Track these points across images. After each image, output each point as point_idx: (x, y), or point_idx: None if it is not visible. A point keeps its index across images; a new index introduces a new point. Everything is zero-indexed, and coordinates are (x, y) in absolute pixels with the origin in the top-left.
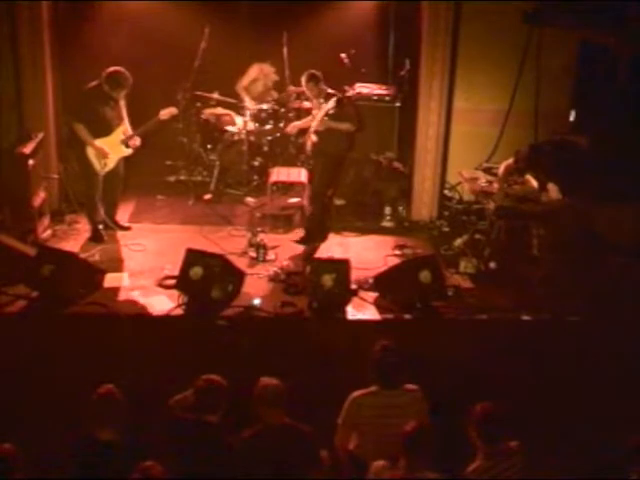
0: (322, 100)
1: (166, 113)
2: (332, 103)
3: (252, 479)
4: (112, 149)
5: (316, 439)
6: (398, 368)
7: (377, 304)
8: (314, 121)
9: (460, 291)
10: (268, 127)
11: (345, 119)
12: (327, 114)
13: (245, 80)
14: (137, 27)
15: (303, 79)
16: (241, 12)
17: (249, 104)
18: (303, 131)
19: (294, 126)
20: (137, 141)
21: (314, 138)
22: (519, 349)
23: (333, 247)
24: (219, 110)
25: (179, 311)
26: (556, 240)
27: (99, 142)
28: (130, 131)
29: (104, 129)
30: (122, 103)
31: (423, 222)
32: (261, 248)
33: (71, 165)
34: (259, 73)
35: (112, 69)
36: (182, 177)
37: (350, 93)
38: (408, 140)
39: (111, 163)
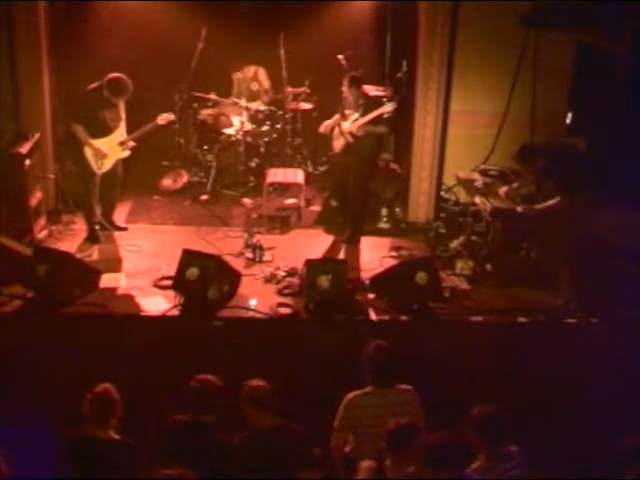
0: (361, 102)
1: (164, 118)
2: (390, 108)
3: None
4: (110, 150)
5: (308, 438)
6: (391, 367)
7: (373, 306)
8: (352, 122)
9: (456, 293)
10: (265, 128)
11: (381, 122)
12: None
13: (234, 91)
14: (134, 27)
15: (345, 83)
16: (238, 13)
17: (245, 104)
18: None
19: (326, 126)
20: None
21: (350, 139)
22: (515, 351)
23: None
24: (216, 111)
25: (175, 312)
26: (553, 241)
27: (97, 143)
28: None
29: (103, 130)
30: (121, 105)
31: (420, 224)
32: (257, 249)
33: (68, 165)
34: (239, 81)
35: (114, 75)
36: None
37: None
38: (405, 142)
39: (108, 164)
